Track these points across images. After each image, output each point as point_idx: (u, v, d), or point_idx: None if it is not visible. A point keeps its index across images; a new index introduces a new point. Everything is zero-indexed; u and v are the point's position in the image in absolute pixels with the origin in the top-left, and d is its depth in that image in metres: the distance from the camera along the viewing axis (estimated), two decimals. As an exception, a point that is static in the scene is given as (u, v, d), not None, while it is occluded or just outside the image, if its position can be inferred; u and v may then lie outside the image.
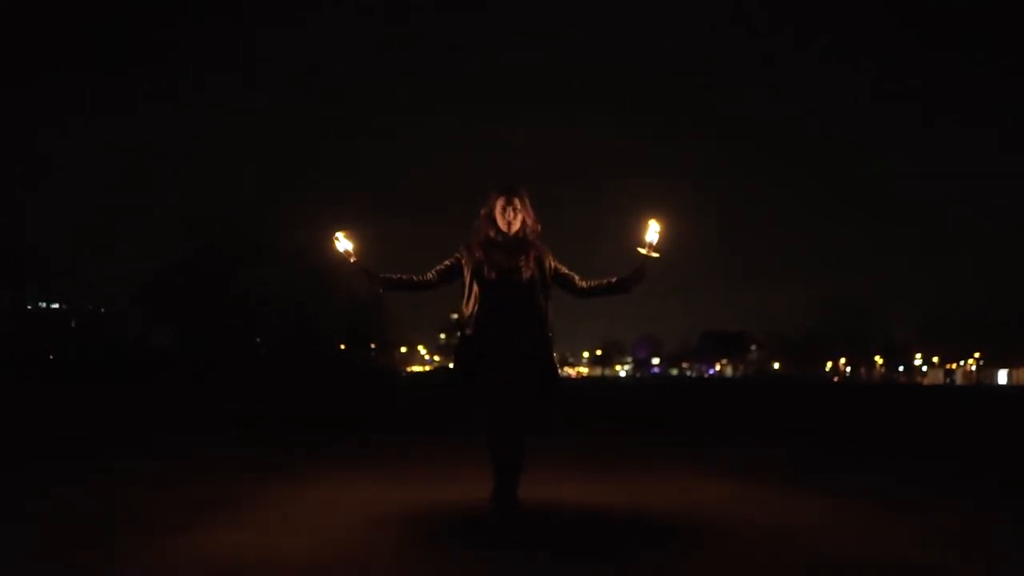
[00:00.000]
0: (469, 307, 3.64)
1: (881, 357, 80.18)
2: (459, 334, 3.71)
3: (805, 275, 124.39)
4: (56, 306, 48.82)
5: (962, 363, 75.03)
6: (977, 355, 71.85)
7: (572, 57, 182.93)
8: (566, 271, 3.76)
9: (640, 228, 3.65)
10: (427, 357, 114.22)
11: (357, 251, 3.67)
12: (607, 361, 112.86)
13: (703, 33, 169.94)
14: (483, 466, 3.71)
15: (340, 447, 6.97)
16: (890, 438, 9.17)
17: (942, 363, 76.74)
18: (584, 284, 3.76)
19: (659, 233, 3.62)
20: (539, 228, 3.72)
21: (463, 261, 3.69)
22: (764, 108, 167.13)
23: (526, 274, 3.61)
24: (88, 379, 24.27)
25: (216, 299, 33.42)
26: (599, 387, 34.45)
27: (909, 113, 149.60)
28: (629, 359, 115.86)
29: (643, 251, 3.63)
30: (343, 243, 3.65)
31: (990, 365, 71.46)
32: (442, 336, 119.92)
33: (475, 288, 3.62)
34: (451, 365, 3.87)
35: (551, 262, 3.74)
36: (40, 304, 46.95)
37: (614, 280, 3.74)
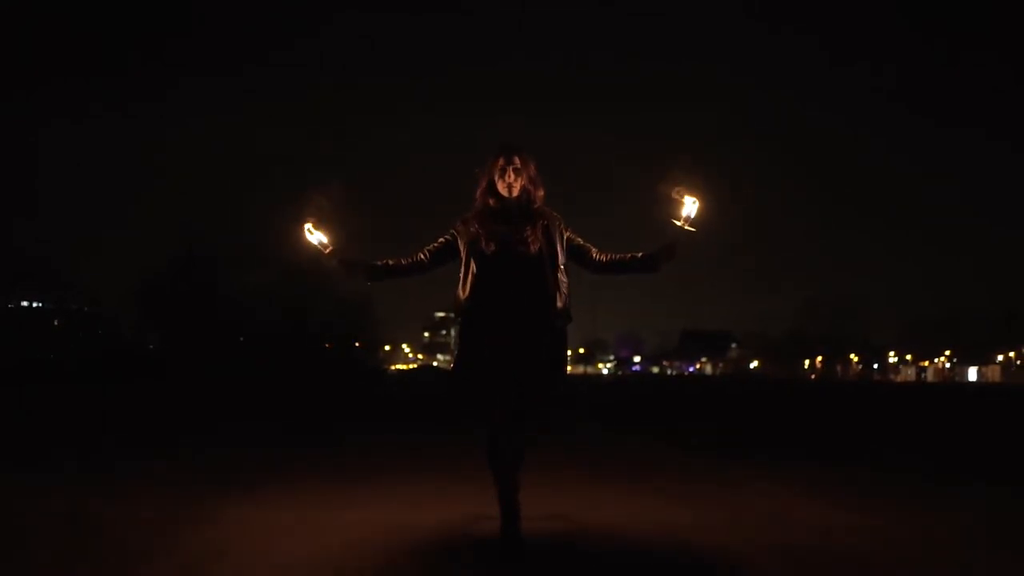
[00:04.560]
0: (466, 289, 3.14)
1: (856, 355, 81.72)
2: (458, 325, 3.21)
3: (801, 275, 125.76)
4: (39, 305, 48.81)
5: (935, 361, 76.86)
6: (948, 353, 73.77)
7: (570, 56, 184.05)
8: (581, 242, 3.29)
9: (674, 201, 3.20)
10: (411, 355, 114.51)
11: (333, 241, 3.20)
12: (590, 359, 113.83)
13: (702, 33, 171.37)
14: (480, 475, 3.34)
15: (329, 451, 6.53)
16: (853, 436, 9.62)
17: (915, 361, 78.50)
18: (603, 258, 3.29)
19: (697, 207, 3.17)
20: (543, 193, 3.23)
21: (459, 237, 3.23)
22: (763, 107, 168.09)
23: (533, 247, 3.13)
24: (75, 379, 24.50)
25: (207, 300, 33.88)
26: (585, 384, 35.14)
27: (908, 113, 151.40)
28: (611, 357, 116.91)
29: (678, 223, 3.18)
30: (315, 235, 3.20)
31: (961, 362, 73.42)
32: (426, 334, 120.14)
33: (472, 266, 3.14)
34: (451, 365, 3.33)
35: (563, 231, 3.25)
36: (23, 304, 46.97)
37: (639, 255, 3.27)
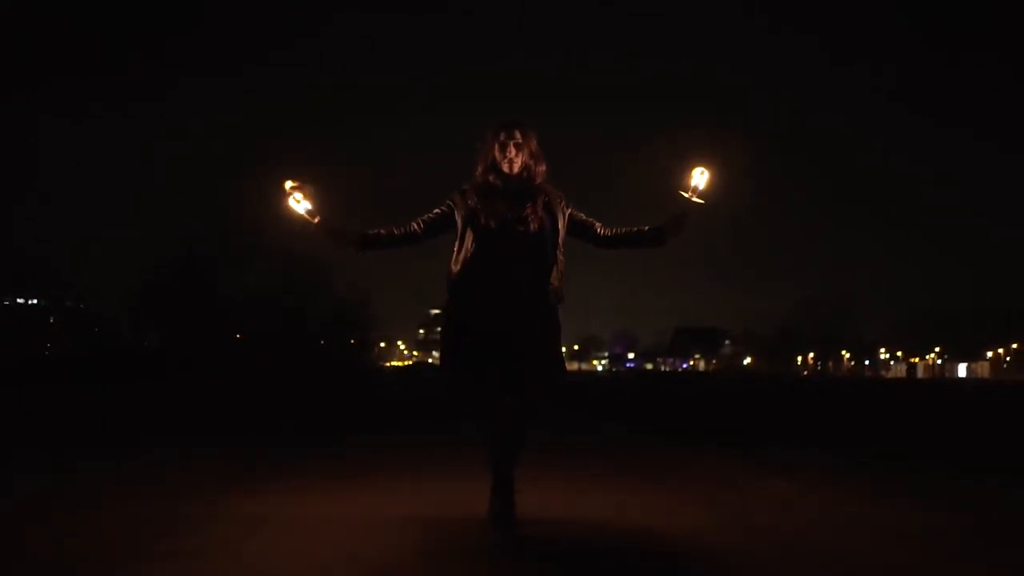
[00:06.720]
0: (460, 264, 3.04)
1: (848, 352, 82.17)
2: (446, 305, 3.14)
3: (801, 275, 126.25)
4: (35, 302, 48.76)
5: (925, 357, 77.42)
6: (938, 349, 74.26)
7: (570, 56, 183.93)
8: (584, 217, 3.20)
9: (683, 173, 3.13)
10: (406, 352, 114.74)
11: (319, 209, 3.11)
12: (584, 356, 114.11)
13: (702, 33, 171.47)
14: (480, 474, 3.25)
15: (330, 450, 6.48)
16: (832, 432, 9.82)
17: (906, 358, 79.03)
18: (607, 232, 3.20)
19: (706, 179, 3.10)
20: (544, 168, 3.13)
21: (456, 209, 3.10)
22: (762, 106, 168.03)
23: (533, 224, 3.03)
24: (74, 379, 24.48)
25: (207, 300, 33.92)
26: (581, 382, 35.26)
27: (906, 112, 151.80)
28: (606, 354, 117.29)
29: (686, 195, 3.11)
30: (302, 204, 3.09)
31: (951, 359, 73.96)
32: (421, 331, 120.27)
33: (468, 241, 3.04)
34: (438, 354, 3.24)
35: (565, 208, 3.15)
36: (18, 300, 46.94)
37: (646, 229, 3.18)
